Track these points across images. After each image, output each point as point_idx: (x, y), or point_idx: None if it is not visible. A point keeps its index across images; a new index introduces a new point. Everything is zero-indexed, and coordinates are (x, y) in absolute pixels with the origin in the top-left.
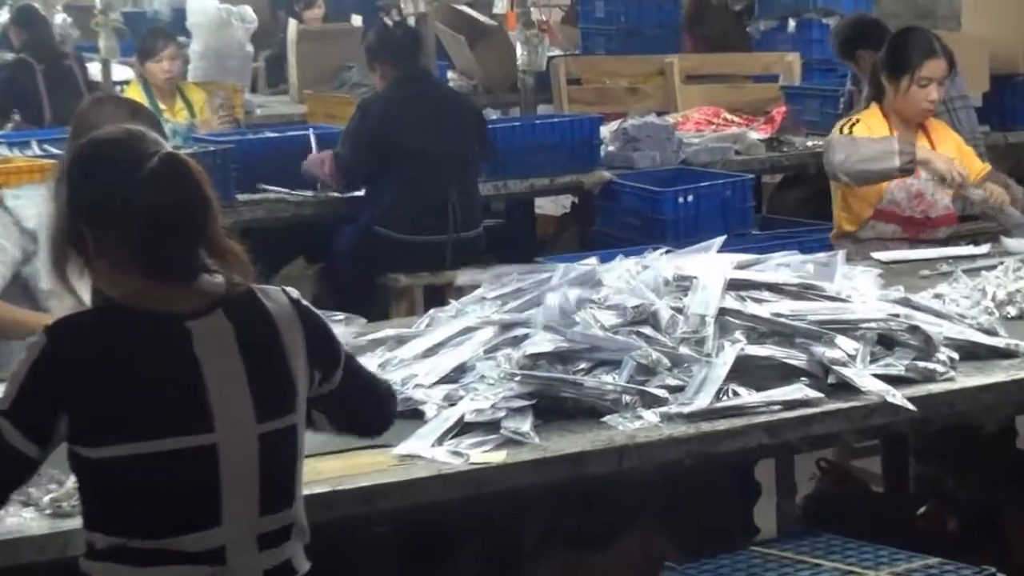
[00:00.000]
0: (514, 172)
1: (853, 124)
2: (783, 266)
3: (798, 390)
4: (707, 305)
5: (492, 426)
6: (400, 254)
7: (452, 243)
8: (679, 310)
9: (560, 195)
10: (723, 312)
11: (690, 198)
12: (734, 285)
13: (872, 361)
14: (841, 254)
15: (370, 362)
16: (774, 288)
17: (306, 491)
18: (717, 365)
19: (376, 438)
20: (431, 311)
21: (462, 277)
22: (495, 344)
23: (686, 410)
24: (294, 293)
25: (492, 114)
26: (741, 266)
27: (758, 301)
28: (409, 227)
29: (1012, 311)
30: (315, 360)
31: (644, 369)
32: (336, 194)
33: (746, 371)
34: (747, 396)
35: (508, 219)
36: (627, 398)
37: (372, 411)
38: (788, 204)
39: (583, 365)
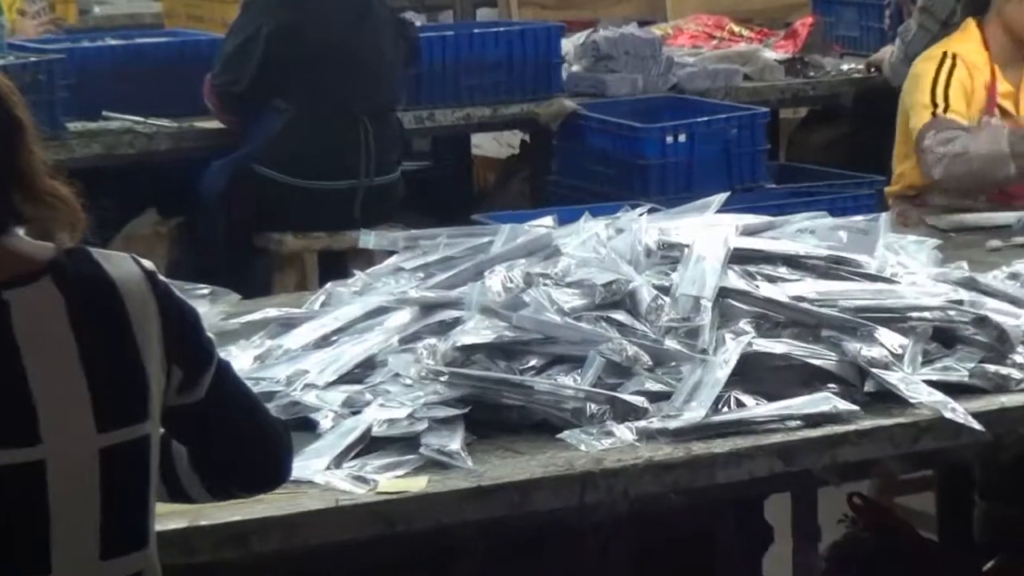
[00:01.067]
0: (444, 99)
1: (948, 69)
2: (806, 233)
3: (824, 401)
4: (703, 284)
5: (409, 443)
6: (288, 205)
7: (362, 192)
8: (665, 290)
9: (506, 131)
10: (724, 294)
11: (682, 138)
12: (740, 257)
13: (925, 363)
14: (884, 218)
15: (244, 355)
16: (794, 262)
17: (158, 526)
18: (715, 365)
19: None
20: (328, 285)
21: (372, 239)
22: (414, 332)
23: (672, 425)
24: (147, 264)
25: (415, 21)
26: (749, 232)
27: (772, 280)
28: (302, 167)
29: None
30: (175, 353)
31: (616, 369)
32: (223, 125)
33: (754, 374)
34: (755, 408)
35: (435, 162)
36: (592, 407)
37: (256, 451)
38: (814, 148)
39: (534, 362)
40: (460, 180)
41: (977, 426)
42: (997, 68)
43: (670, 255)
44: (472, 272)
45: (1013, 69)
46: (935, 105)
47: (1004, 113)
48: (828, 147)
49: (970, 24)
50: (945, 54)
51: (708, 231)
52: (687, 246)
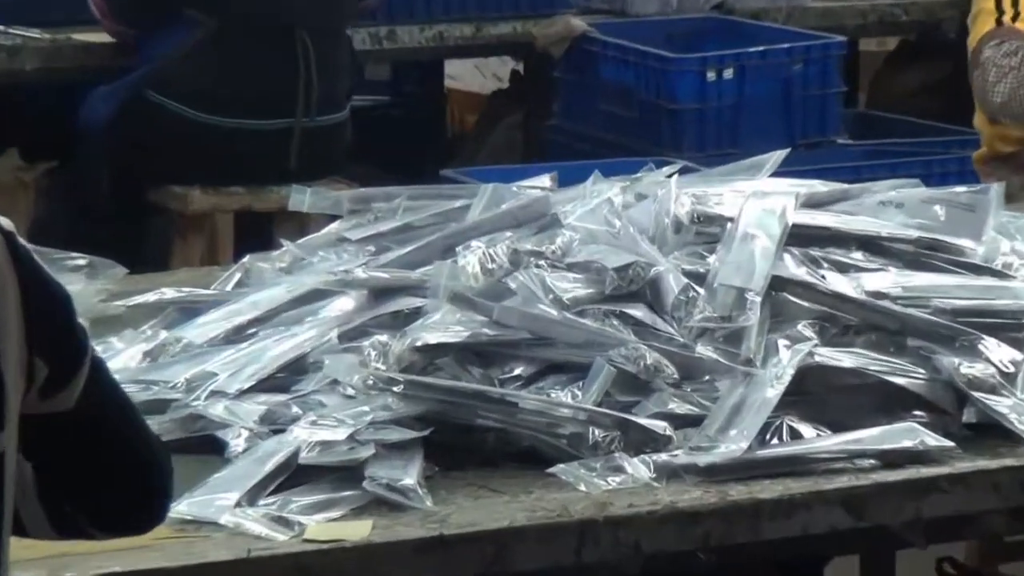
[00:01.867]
0: (409, 13)
1: None
2: (890, 206)
3: (908, 433)
4: (750, 272)
5: (348, 475)
6: (196, 149)
7: (296, 135)
8: (699, 278)
9: (492, 58)
10: (779, 286)
11: (728, 74)
12: (801, 237)
13: None
14: (996, 189)
15: (129, 350)
16: (873, 246)
17: None
18: (763, 381)
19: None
20: (246, 258)
21: (307, 198)
22: (360, 325)
23: (703, 460)
24: (4, 222)
25: None
26: (814, 203)
27: (843, 268)
28: (216, 99)
29: None
30: (39, 343)
31: (630, 382)
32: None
33: (816, 395)
34: (815, 440)
35: (396, 98)
36: (597, 433)
37: (127, 480)
38: (906, 93)
39: (519, 370)
40: (429, 123)
41: None
42: None
43: (707, 231)
44: (440, 247)
45: None
46: (1000, 11)
47: None
48: (924, 92)
49: None
50: None
51: (759, 200)
52: (730, 220)
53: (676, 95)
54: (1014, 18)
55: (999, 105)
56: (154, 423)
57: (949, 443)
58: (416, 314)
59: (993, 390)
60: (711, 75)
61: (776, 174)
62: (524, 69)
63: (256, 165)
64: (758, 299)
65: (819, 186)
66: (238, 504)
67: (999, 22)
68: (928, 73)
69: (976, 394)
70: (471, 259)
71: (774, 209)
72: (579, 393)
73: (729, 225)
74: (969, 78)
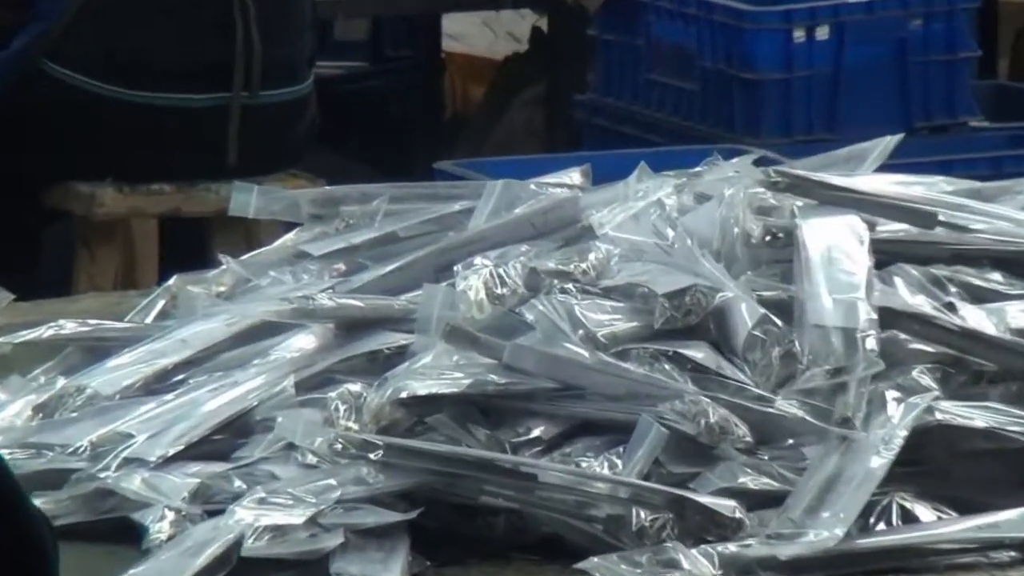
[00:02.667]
0: None
1: None
2: None
3: None
4: (849, 307)
5: (307, 571)
6: (106, 134)
7: (236, 115)
8: (780, 308)
9: (506, 11)
10: (889, 320)
11: (821, 34)
12: (916, 255)
13: None
14: None
15: (14, 403)
16: (1015, 266)
17: None
18: (867, 447)
19: None
20: (173, 279)
21: (253, 199)
22: (324, 370)
23: (787, 552)
24: None
25: None
26: (939, 207)
27: (976, 296)
28: (129, 69)
29: None
30: None
31: (689, 447)
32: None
33: (937, 463)
34: (936, 525)
35: (378, 65)
36: (643, 516)
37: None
38: None
39: (538, 431)
40: (420, 98)
41: None
42: None
43: (788, 246)
44: (432, 265)
45: None
46: None
47: None
48: None
49: None
50: None
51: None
52: (820, 233)
53: (753, 61)
54: None
55: None
56: (46, 501)
57: None
58: (400, 356)
59: None
60: (799, 34)
61: (886, 167)
62: (549, 26)
63: (184, 155)
64: (864, 339)
65: (943, 184)
66: None
67: None
68: None
69: None
70: (474, 282)
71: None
72: (619, 462)
73: (808, 239)
74: None
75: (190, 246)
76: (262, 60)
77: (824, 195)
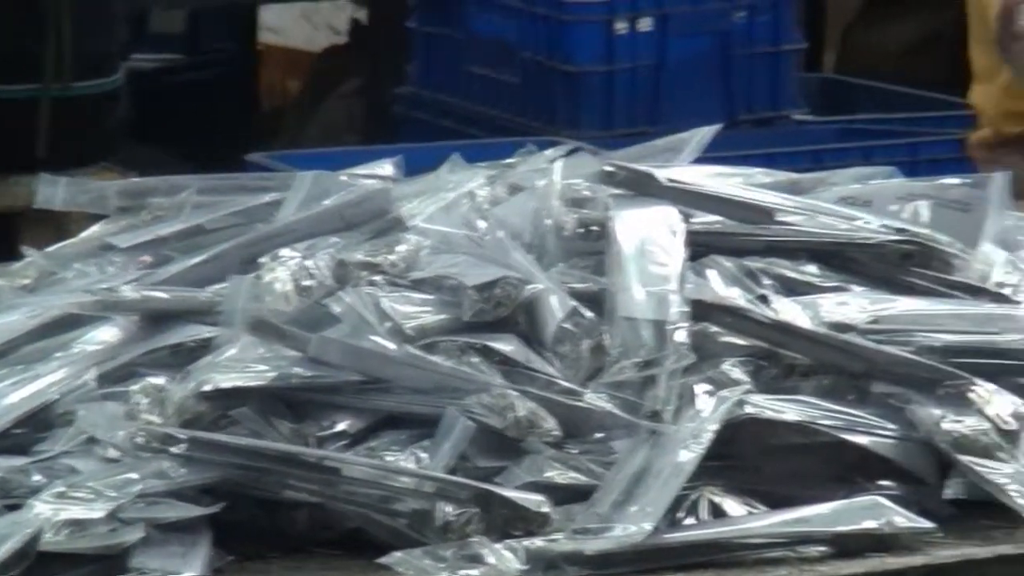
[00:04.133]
0: None
1: None
2: (858, 204)
3: (871, 510)
4: (660, 299)
5: (108, 565)
6: None
7: (47, 107)
8: (592, 300)
9: (324, 2)
10: (702, 313)
11: (643, 25)
12: (731, 247)
13: None
14: (1002, 182)
15: None
16: (831, 258)
17: None
18: (676, 441)
19: None
20: None
21: (60, 191)
22: (127, 363)
23: (592, 547)
24: None
25: None
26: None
27: (790, 288)
28: None
29: None
30: None
31: (494, 442)
32: None
33: (747, 458)
34: (746, 519)
35: (194, 58)
36: (448, 510)
37: None
38: (886, 53)
39: (343, 425)
40: (236, 90)
41: None
42: None
43: (602, 239)
44: (239, 257)
45: None
46: None
47: None
48: (914, 51)
49: None
50: None
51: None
52: (628, 223)
53: (574, 53)
54: None
55: None
56: None
57: (926, 524)
58: (204, 348)
59: (987, 453)
60: (621, 26)
61: (709, 159)
62: (368, 18)
63: None
64: (683, 335)
65: (760, 176)
66: None
67: None
68: (919, 26)
69: (964, 458)
70: (281, 273)
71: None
72: (425, 456)
73: (620, 230)
74: (1003, 53)
75: (1, 241)
76: (73, 51)
77: (658, 190)
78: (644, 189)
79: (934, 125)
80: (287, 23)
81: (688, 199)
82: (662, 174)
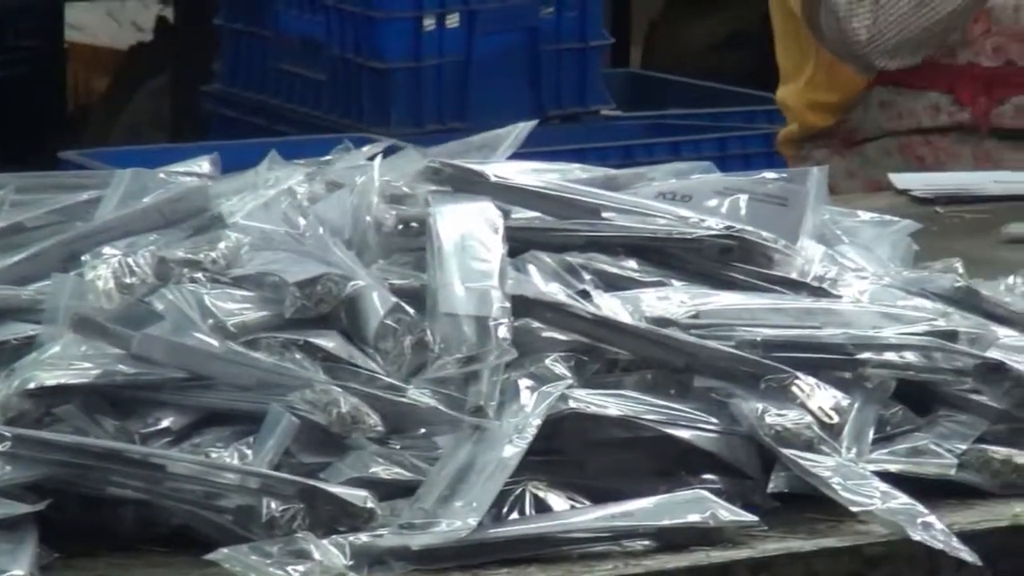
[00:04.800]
0: None
1: None
2: (674, 199)
3: (695, 503)
4: (481, 295)
5: None
6: None
7: None
8: (413, 297)
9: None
10: (523, 309)
11: (453, 20)
12: (552, 242)
13: (880, 441)
14: (818, 176)
15: None
16: (651, 253)
17: None
18: (499, 436)
19: None
20: None
21: None
22: None
23: (418, 542)
24: None
25: None
26: (570, 195)
27: (610, 283)
28: None
29: None
30: None
31: (318, 438)
32: None
33: (570, 452)
34: (569, 514)
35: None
36: (273, 506)
37: None
38: (695, 49)
39: (167, 422)
40: (43, 88)
41: (968, 555)
42: None
43: (418, 233)
44: (60, 255)
45: None
46: None
47: None
48: (720, 46)
49: None
50: None
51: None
52: (446, 221)
53: (382, 50)
54: None
55: (865, 42)
56: None
57: (751, 517)
58: (27, 346)
59: (810, 446)
60: (429, 23)
61: (520, 155)
62: (174, 15)
63: None
64: (505, 331)
65: (577, 171)
66: None
67: None
68: (724, 22)
69: (786, 452)
70: (103, 271)
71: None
72: (249, 452)
73: (441, 226)
74: (814, 30)
75: None
76: None
77: (485, 187)
78: (471, 186)
79: (742, 120)
80: (92, 21)
81: (514, 196)
82: (489, 170)
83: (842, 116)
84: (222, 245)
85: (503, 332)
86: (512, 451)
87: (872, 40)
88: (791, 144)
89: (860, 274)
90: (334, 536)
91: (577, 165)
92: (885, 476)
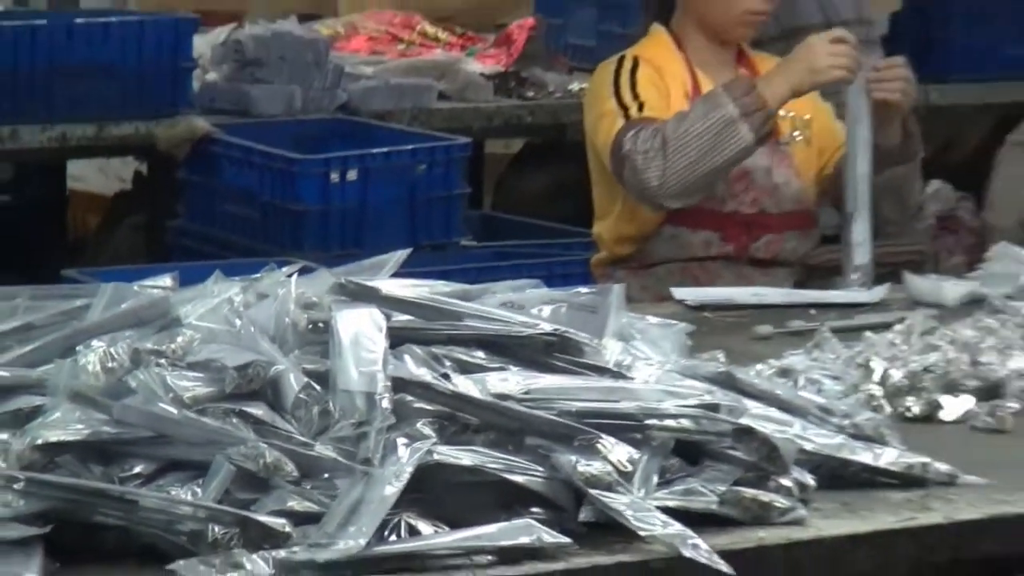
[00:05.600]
0: (32, 113)
1: (630, 70)
2: (511, 308)
3: (526, 529)
4: (370, 377)
5: None
6: None
7: None
8: (319, 377)
9: (115, 159)
10: (400, 386)
11: (352, 175)
12: (419, 339)
13: (663, 484)
14: (618, 290)
15: None
16: (495, 346)
17: None
18: (382, 479)
19: None
20: None
21: None
22: None
23: (322, 556)
24: None
25: None
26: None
27: (465, 369)
28: None
29: (915, 406)
30: None
31: (251, 481)
32: None
33: (435, 492)
34: (433, 536)
35: (17, 198)
36: (217, 530)
37: None
38: (530, 196)
39: (140, 468)
40: (51, 223)
41: (725, 568)
42: (699, 72)
43: (326, 332)
44: (61, 346)
45: (719, 71)
46: (625, 108)
47: None
48: (550, 195)
49: (656, 29)
50: (623, 57)
51: (360, 308)
52: (332, 322)
53: (300, 196)
54: (639, 108)
55: (657, 187)
56: None
57: (566, 539)
58: (37, 412)
59: (610, 488)
60: (335, 176)
61: (398, 274)
62: (148, 170)
63: None
64: (387, 403)
65: (441, 286)
66: None
67: (627, 117)
68: (553, 176)
69: (593, 491)
70: (92, 358)
71: (370, 313)
72: (199, 491)
73: (337, 326)
74: (620, 179)
75: None
76: None
77: (376, 298)
78: (364, 297)
79: (564, 250)
80: (88, 173)
81: (395, 304)
82: (378, 285)
83: (640, 246)
84: (179, 339)
85: (386, 403)
86: (391, 491)
87: (661, 187)
88: (601, 267)
89: (648, 362)
90: (261, 552)
91: (442, 282)
92: (665, 510)
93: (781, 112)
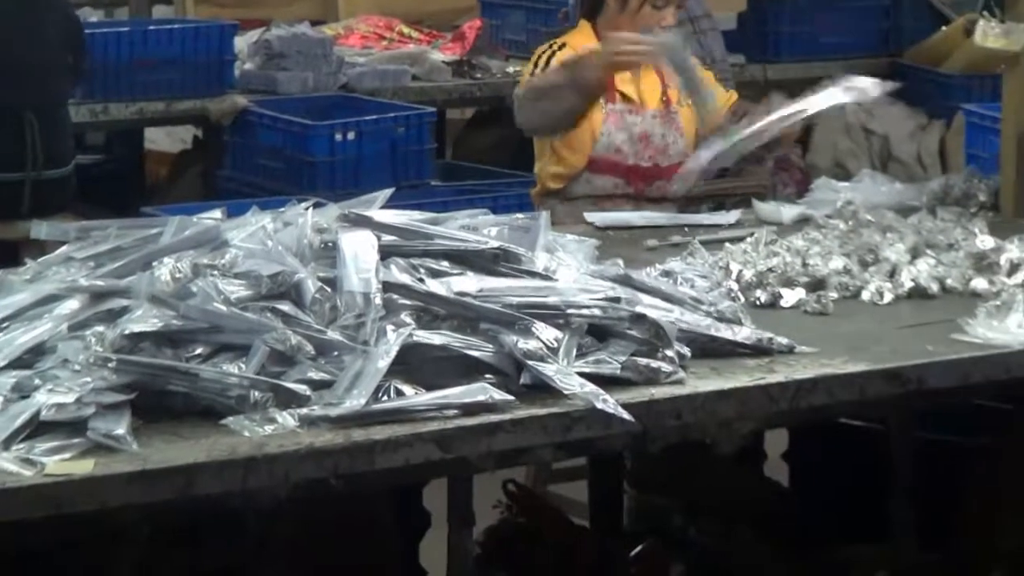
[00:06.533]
0: (118, 93)
1: (554, 51)
2: (468, 230)
3: (481, 391)
4: (366, 280)
5: (77, 427)
6: None
7: (30, 184)
8: (330, 282)
9: (178, 126)
10: (388, 288)
11: (350, 136)
12: (400, 253)
13: (580, 356)
14: (545, 216)
15: None
16: (456, 258)
17: None
18: (376, 355)
19: None
20: None
21: (43, 229)
22: (84, 319)
23: (334, 412)
24: None
25: (91, 16)
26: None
27: (436, 274)
28: None
29: (762, 296)
30: None
31: (280, 358)
32: None
33: (414, 364)
34: (414, 397)
35: (109, 156)
36: (256, 394)
37: None
38: (480, 149)
39: (200, 350)
40: (133, 174)
41: (627, 416)
42: None
43: (333, 248)
44: (141, 262)
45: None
46: (533, 74)
47: (625, 98)
48: (493, 148)
49: (583, 24)
50: (554, 43)
51: (358, 229)
52: (338, 242)
53: (313, 151)
54: (543, 70)
55: (520, 123)
56: None
57: (511, 397)
58: (124, 311)
59: (542, 359)
60: (338, 136)
61: (386, 206)
62: (203, 134)
63: (1, 206)
64: (379, 300)
65: (416, 215)
66: None
67: (532, 75)
68: (496, 134)
69: (529, 362)
70: (164, 271)
71: (363, 234)
72: (243, 366)
73: (339, 244)
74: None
75: (9, 256)
76: (44, 152)
77: (370, 224)
78: (361, 223)
79: (507, 187)
80: (160, 137)
81: (384, 228)
82: (372, 214)
83: (566, 184)
84: (227, 256)
85: (378, 300)
86: (383, 363)
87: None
88: (539, 197)
89: (567, 267)
90: (288, 410)
91: (417, 212)
92: (582, 374)
93: (671, 84)
